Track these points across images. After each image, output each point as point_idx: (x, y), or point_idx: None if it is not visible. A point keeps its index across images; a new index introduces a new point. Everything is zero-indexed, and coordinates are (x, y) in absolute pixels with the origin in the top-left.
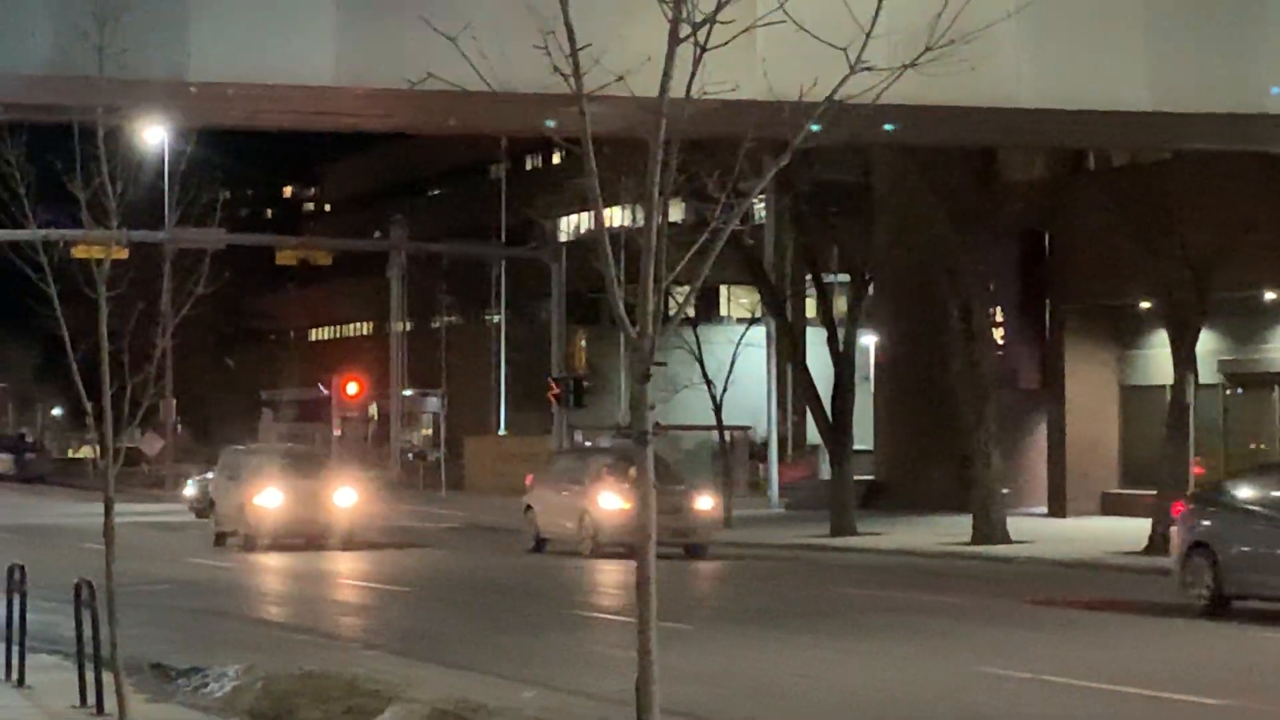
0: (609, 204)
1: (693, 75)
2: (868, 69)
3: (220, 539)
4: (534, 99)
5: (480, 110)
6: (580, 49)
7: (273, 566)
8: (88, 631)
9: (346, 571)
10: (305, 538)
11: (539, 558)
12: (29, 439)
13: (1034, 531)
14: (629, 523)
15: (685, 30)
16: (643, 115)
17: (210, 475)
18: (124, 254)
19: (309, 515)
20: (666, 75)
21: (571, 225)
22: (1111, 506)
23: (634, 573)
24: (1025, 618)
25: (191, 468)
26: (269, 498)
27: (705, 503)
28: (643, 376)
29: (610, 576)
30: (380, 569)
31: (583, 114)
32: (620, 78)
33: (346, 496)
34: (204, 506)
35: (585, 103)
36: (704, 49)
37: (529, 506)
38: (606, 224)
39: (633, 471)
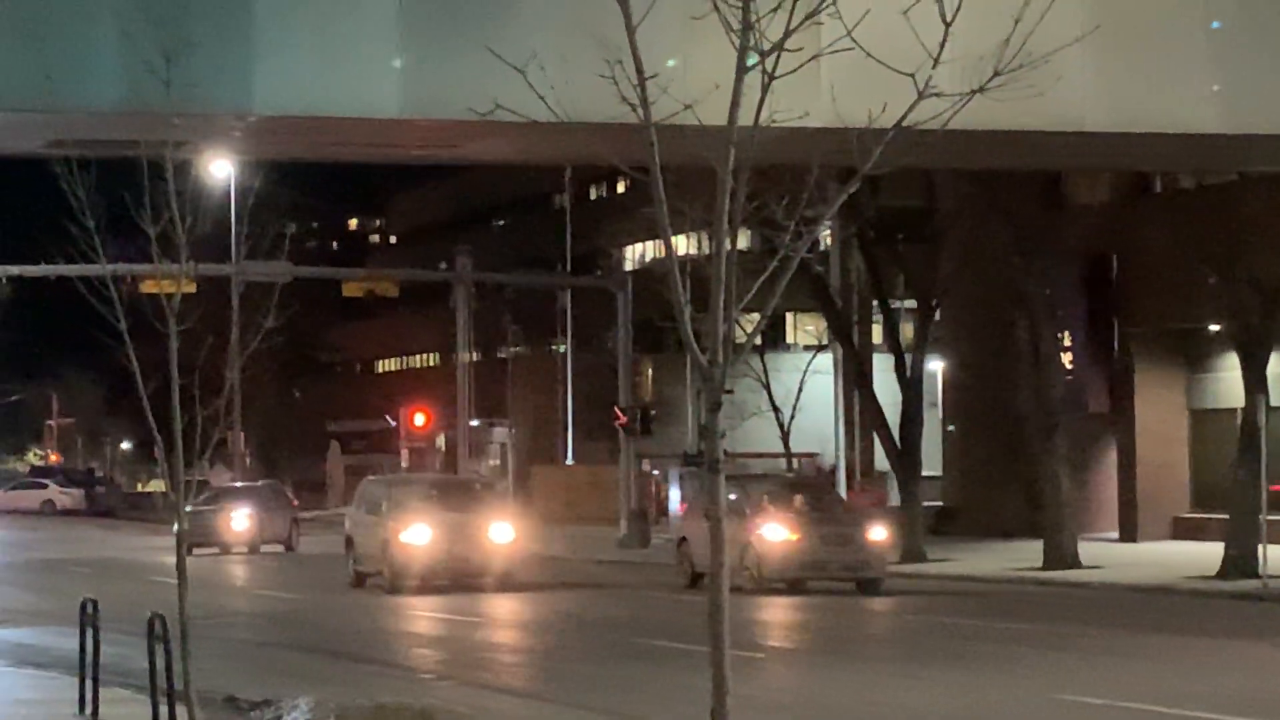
0: (675, 232)
1: (761, 103)
2: (936, 95)
3: (360, 580)
4: (601, 129)
5: (546, 141)
6: (647, 78)
7: (344, 600)
8: (161, 665)
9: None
10: (457, 578)
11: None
12: (98, 473)
13: (1105, 557)
14: (798, 555)
15: (753, 58)
16: (711, 144)
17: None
18: (192, 288)
19: (462, 553)
20: (735, 104)
21: (637, 254)
22: (1183, 531)
23: (804, 610)
24: (1098, 644)
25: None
26: (417, 534)
27: (879, 533)
28: (714, 405)
29: (780, 614)
30: (538, 610)
31: (651, 144)
32: (688, 106)
33: (504, 532)
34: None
35: (653, 132)
36: (772, 77)
37: (683, 539)
38: (674, 251)
39: (798, 500)
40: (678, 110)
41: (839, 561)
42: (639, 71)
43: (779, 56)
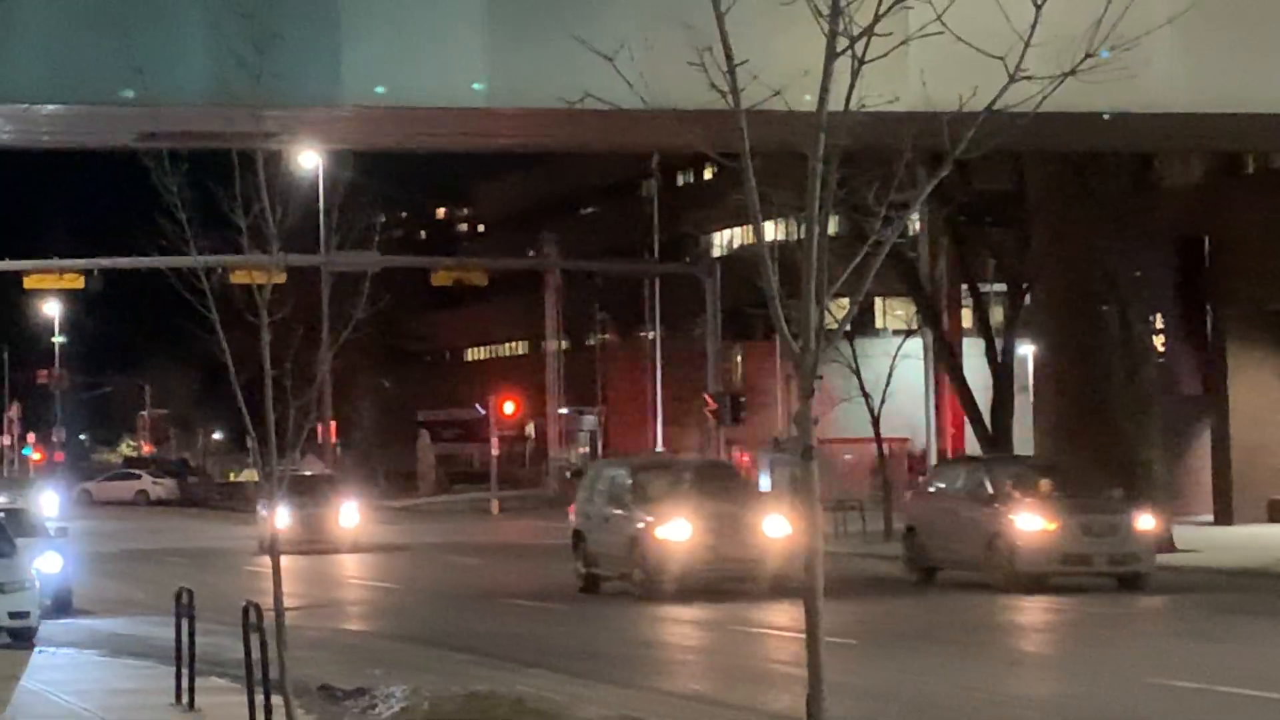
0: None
1: (851, 88)
2: (1027, 78)
3: (593, 583)
4: (691, 116)
5: (635, 128)
6: (737, 65)
7: (434, 589)
8: (256, 654)
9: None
10: (723, 582)
11: (938, 593)
12: (191, 464)
13: (1200, 540)
14: (1057, 547)
15: (843, 43)
16: (800, 130)
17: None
18: (282, 279)
19: (732, 552)
20: (825, 89)
21: (725, 240)
22: (1279, 513)
23: (1068, 610)
24: (1194, 627)
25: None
26: (676, 529)
27: (1146, 521)
28: (807, 392)
29: (1036, 616)
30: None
31: (740, 130)
32: (777, 92)
33: (778, 525)
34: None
35: (743, 118)
36: (862, 61)
37: (910, 529)
38: (764, 237)
39: (1044, 484)
40: (767, 96)
41: (1104, 553)
42: (728, 58)
43: (868, 41)
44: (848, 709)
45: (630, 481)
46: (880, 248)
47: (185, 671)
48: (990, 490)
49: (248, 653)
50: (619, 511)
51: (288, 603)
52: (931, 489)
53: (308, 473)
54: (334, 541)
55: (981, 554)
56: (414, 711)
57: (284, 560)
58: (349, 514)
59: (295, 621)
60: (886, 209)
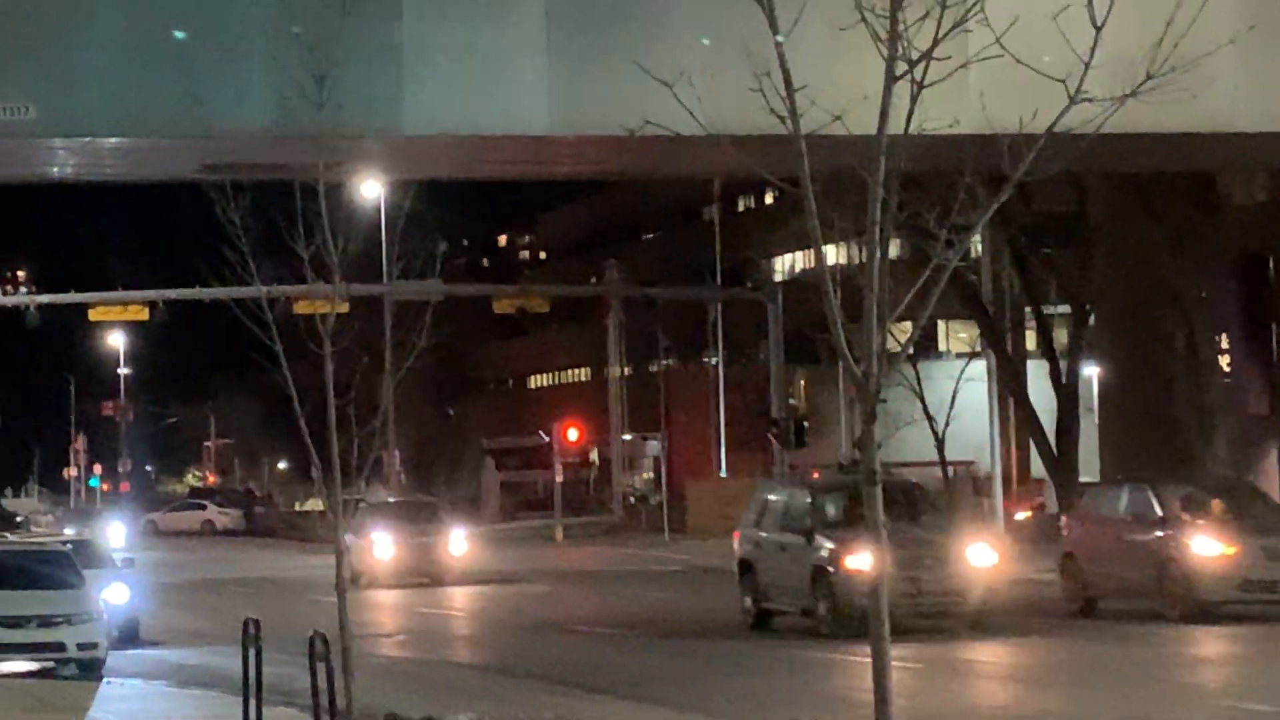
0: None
1: (910, 112)
2: (1088, 100)
3: (763, 618)
4: (751, 141)
5: (695, 154)
6: (796, 90)
7: (509, 614)
8: (323, 683)
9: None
10: (920, 617)
11: (1105, 624)
12: (256, 493)
13: None
14: (1238, 573)
15: (902, 67)
16: (860, 154)
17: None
18: (345, 308)
19: (932, 584)
20: (884, 113)
21: (787, 264)
22: None
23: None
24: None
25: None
26: (865, 558)
27: None
28: (870, 416)
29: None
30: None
31: (801, 155)
32: (838, 117)
33: (983, 554)
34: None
35: (803, 143)
36: (921, 85)
37: (1068, 555)
38: (825, 261)
39: (1216, 505)
40: (827, 121)
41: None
42: (787, 83)
43: (928, 65)
44: None
45: (810, 503)
46: (942, 271)
47: (253, 701)
48: (1154, 514)
49: (314, 682)
50: (798, 538)
51: (360, 631)
52: (1086, 511)
53: (413, 499)
54: (443, 572)
55: (1153, 582)
56: None
57: (388, 594)
58: (458, 542)
59: (366, 650)
60: (948, 232)
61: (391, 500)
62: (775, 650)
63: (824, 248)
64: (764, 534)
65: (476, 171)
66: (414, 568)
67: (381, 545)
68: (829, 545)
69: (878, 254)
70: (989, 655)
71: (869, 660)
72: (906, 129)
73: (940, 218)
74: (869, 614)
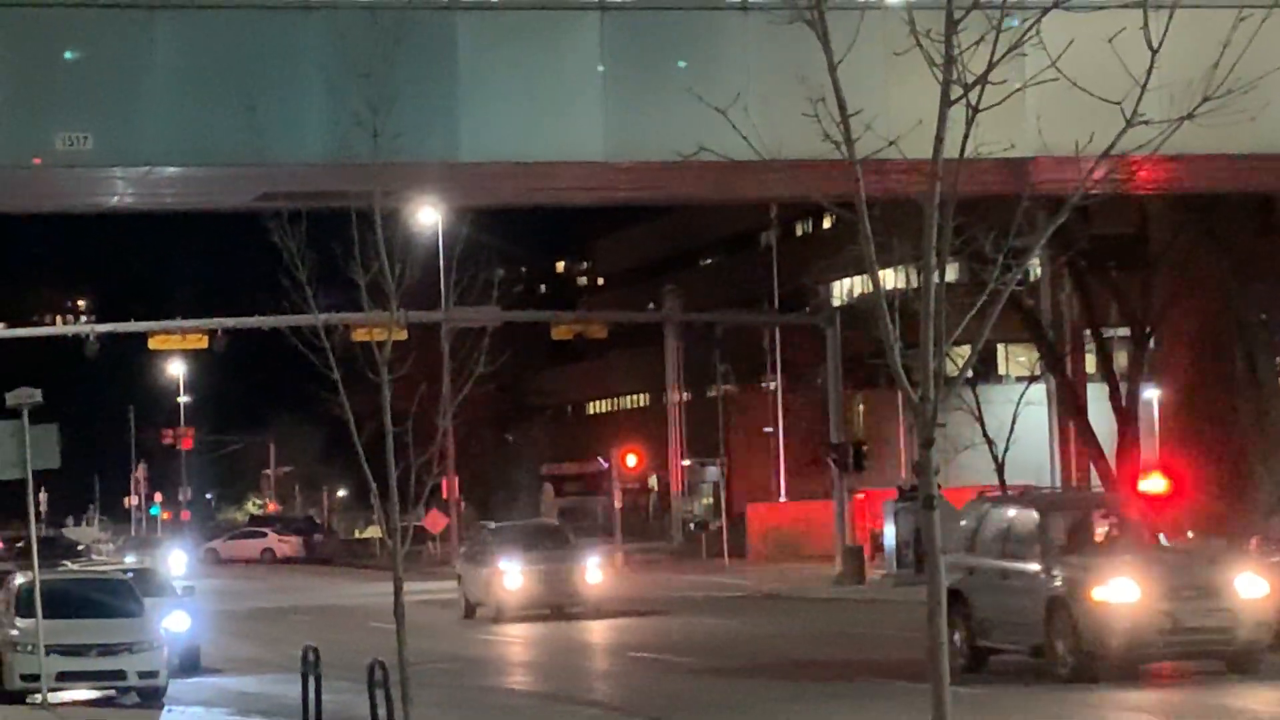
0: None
1: (966, 136)
2: (1144, 122)
3: (978, 658)
4: (805, 166)
5: (750, 180)
6: (851, 115)
7: (586, 641)
8: (382, 711)
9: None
10: (1183, 656)
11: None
12: (316, 520)
13: None
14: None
15: (957, 92)
16: (916, 178)
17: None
18: (403, 335)
19: (1196, 619)
20: (939, 138)
21: (845, 289)
22: None
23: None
24: None
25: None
26: (1120, 590)
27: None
28: (927, 441)
29: None
30: None
31: (856, 180)
32: (892, 142)
33: (1253, 584)
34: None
35: (858, 168)
36: (976, 109)
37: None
38: (882, 286)
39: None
40: (882, 146)
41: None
42: (841, 109)
43: (983, 89)
44: None
45: (1039, 525)
46: (998, 295)
47: None
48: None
49: (373, 709)
50: (1027, 566)
51: (422, 659)
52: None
53: (538, 523)
54: (577, 602)
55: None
56: None
57: (516, 628)
58: (593, 570)
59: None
60: (1005, 256)
61: (516, 524)
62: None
63: (882, 272)
64: (980, 560)
65: (533, 198)
66: (545, 598)
67: (511, 574)
68: (1072, 575)
69: (933, 278)
70: (1262, 703)
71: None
72: (962, 153)
73: (996, 241)
74: (929, 637)
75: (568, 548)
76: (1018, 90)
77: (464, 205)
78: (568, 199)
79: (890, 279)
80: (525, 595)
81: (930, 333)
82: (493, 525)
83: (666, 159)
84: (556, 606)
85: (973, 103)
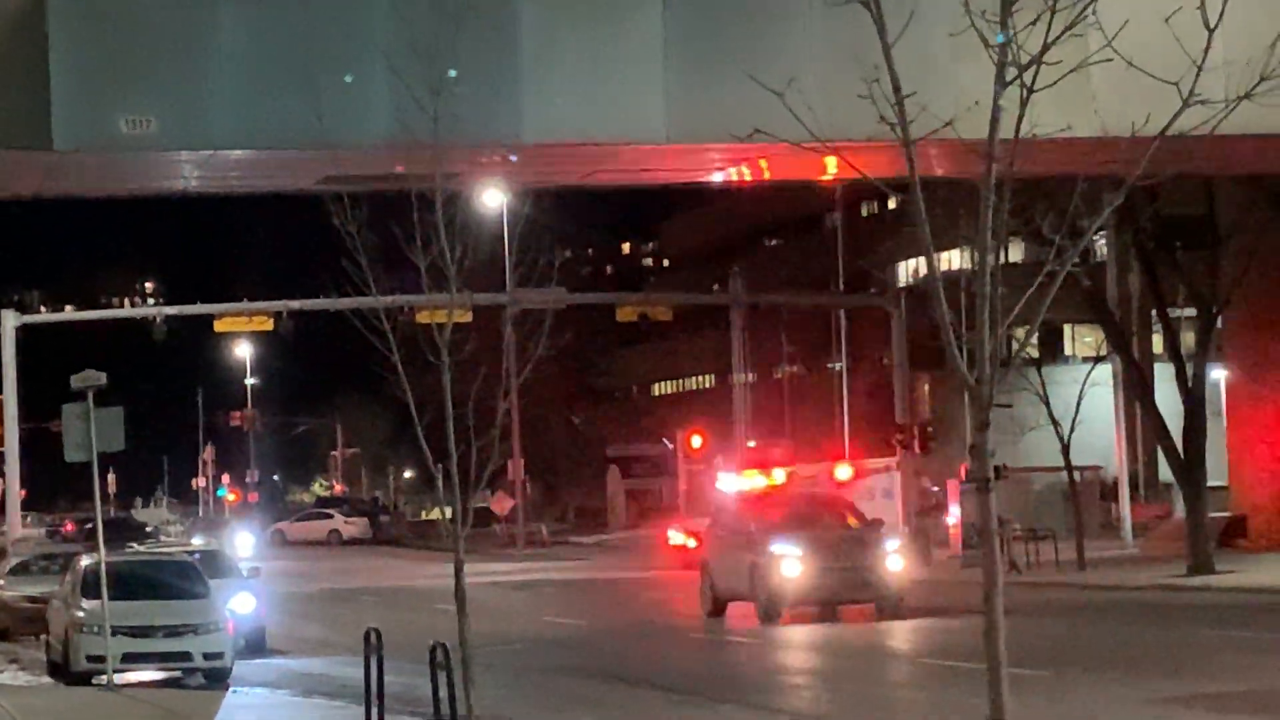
0: (948, 246)
1: (1020, 116)
2: (1201, 102)
3: None
4: (860, 148)
5: (803, 162)
6: (906, 96)
7: (668, 625)
8: (444, 693)
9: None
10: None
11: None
12: (382, 502)
13: None
14: None
15: (1012, 73)
16: (972, 159)
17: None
18: (467, 317)
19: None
20: (995, 119)
21: (910, 270)
22: None
23: None
24: None
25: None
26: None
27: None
28: (982, 423)
29: None
30: None
31: (910, 161)
32: (948, 123)
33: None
34: None
35: (912, 149)
36: (1031, 90)
37: None
38: (946, 267)
39: None
40: (937, 127)
41: None
42: (896, 90)
43: (1038, 69)
44: None
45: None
46: (1056, 276)
47: (374, 710)
48: None
49: (435, 690)
50: None
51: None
52: None
53: (810, 491)
54: (878, 597)
55: None
56: None
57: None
58: (894, 556)
59: (486, 659)
60: (1062, 236)
61: (783, 493)
62: None
63: (947, 254)
64: None
65: (595, 179)
66: (835, 591)
67: (789, 560)
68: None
69: (989, 259)
70: None
71: None
72: (1017, 134)
73: (1054, 223)
74: (986, 618)
75: (859, 526)
76: (1073, 71)
77: (527, 187)
78: (629, 180)
79: (956, 260)
80: (809, 588)
81: (987, 314)
82: (744, 490)
83: (726, 141)
84: (849, 602)
85: (1028, 83)
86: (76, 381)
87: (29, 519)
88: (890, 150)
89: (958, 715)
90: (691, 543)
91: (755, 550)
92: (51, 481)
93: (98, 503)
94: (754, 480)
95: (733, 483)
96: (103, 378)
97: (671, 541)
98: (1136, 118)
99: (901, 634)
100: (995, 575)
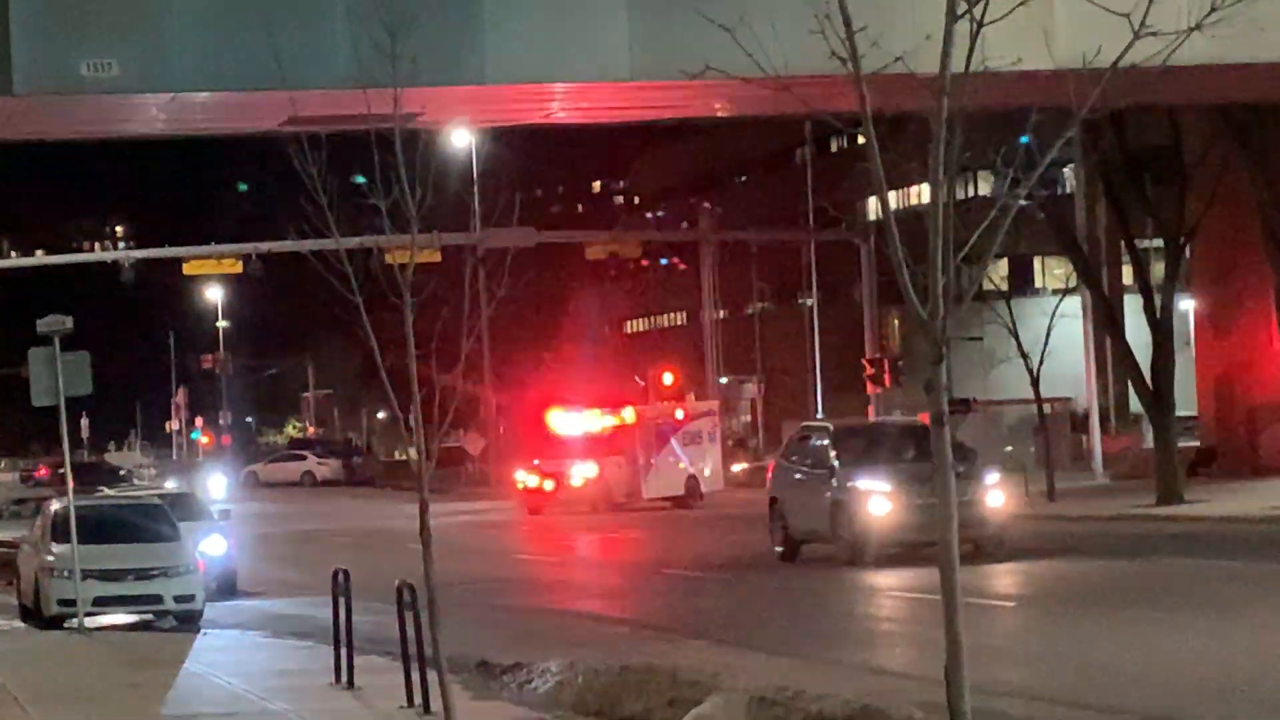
0: (917, 181)
1: (971, 50)
2: (1152, 34)
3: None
4: (814, 83)
5: (764, 98)
6: (856, 31)
7: (588, 559)
8: (412, 633)
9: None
10: None
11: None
12: (356, 443)
13: None
14: None
15: (962, 7)
16: (926, 94)
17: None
18: (436, 258)
19: None
20: (946, 53)
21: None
22: None
23: None
24: None
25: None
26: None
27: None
28: (936, 358)
29: None
30: None
31: (861, 97)
32: (899, 58)
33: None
34: None
35: (863, 85)
36: (981, 25)
37: None
38: (914, 201)
39: None
40: (888, 62)
41: None
42: (847, 25)
43: (987, 2)
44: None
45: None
46: (1009, 209)
47: (344, 650)
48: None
49: (402, 630)
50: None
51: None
52: None
53: (899, 421)
54: (980, 538)
55: None
56: (569, 686)
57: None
58: (995, 492)
59: (456, 599)
60: (1015, 170)
61: (867, 423)
62: None
63: (914, 187)
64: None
65: (559, 118)
66: (930, 532)
67: (877, 498)
68: None
69: (941, 194)
70: None
71: None
72: (967, 68)
73: (1006, 157)
74: (940, 553)
75: (969, 463)
76: (1023, 4)
77: (489, 125)
78: (594, 118)
79: (924, 195)
80: (898, 527)
81: (939, 249)
82: (825, 422)
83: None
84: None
85: (978, 17)
86: (42, 326)
87: (2, 464)
88: (847, 86)
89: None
90: (549, 485)
91: (837, 486)
92: (25, 426)
93: (66, 447)
94: (601, 420)
95: (568, 422)
96: (69, 322)
97: (520, 484)
98: (1089, 50)
99: (1003, 577)
100: (950, 509)
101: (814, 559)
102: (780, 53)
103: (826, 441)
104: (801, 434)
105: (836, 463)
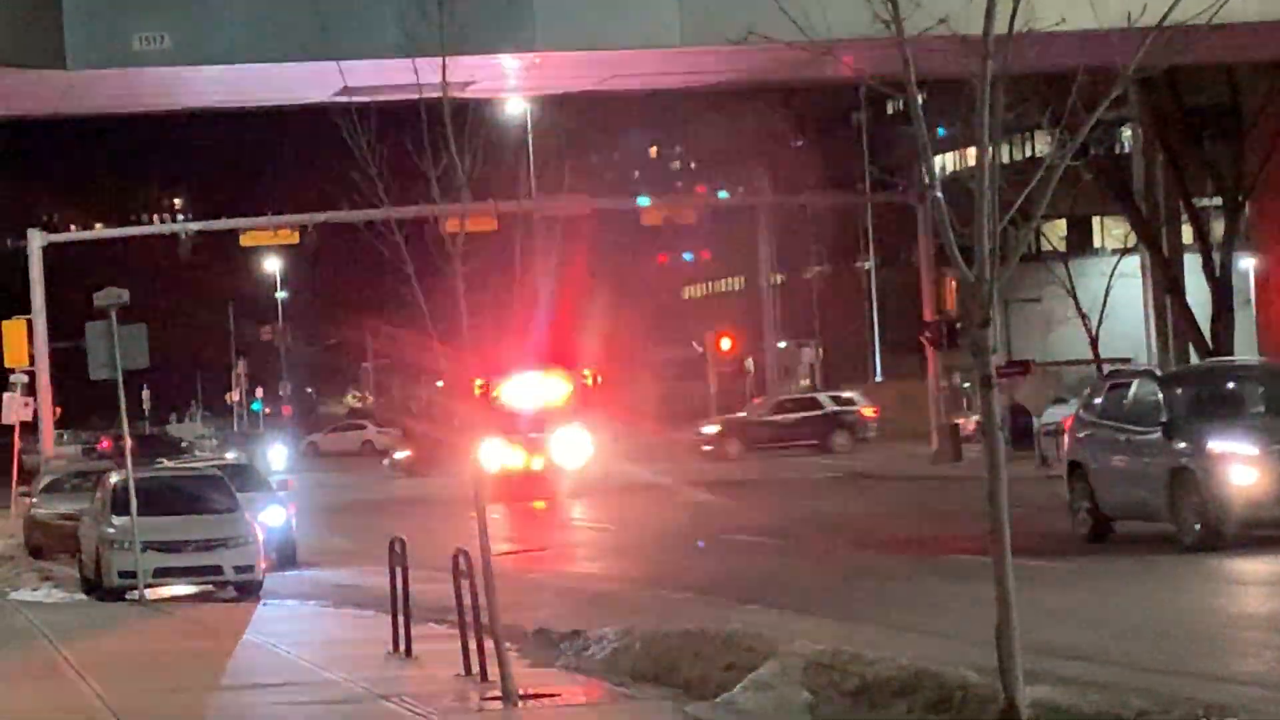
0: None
1: (1014, 11)
2: None
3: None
4: (858, 46)
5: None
6: None
7: (654, 530)
8: (468, 601)
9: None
10: None
11: None
12: (415, 412)
13: None
14: None
15: None
16: (968, 56)
17: None
18: (493, 226)
19: None
20: (990, 15)
21: (939, 166)
22: None
23: None
24: None
25: None
26: None
27: None
28: (983, 321)
29: None
30: None
31: (905, 60)
32: (943, 20)
33: None
34: None
35: (907, 48)
36: None
37: None
38: (965, 164)
39: None
40: (932, 24)
41: None
42: None
43: None
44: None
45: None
46: (1054, 170)
47: (401, 619)
48: None
49: (459, 599)
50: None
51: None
52: None
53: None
54: None
55: None
56: (627, 652)
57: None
58: None
59: (518, 566)
60: (1061, 130)
61: (1205, 366)
62: None
63: (965, 149)
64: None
65: (610, 85)
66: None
67: (1241, 463)
68: None
69: (987, 156)
70: None
71: None
72: (1010, 29)
73: (1054, 118)
74: (990, 515)
75: None
76: None
77: (540, 93)
78: (645, 84)
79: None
80: (1270, 503)
81: (985, 210)
82: (1149, 366)
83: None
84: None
85: None
86: (99, 299)
87: (65, 436)
88: (892, 49)
89: None
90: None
91: (1180, 449)
92: (86, 399)
93: (124, 419)
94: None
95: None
96: (125, 295)
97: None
98: (1134, 8)
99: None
100: (999, 471)
101: (1133, 540)
102: (824, 18)
103: (1155, 391)
104: (1112, 382)
105: (1173, 419)
